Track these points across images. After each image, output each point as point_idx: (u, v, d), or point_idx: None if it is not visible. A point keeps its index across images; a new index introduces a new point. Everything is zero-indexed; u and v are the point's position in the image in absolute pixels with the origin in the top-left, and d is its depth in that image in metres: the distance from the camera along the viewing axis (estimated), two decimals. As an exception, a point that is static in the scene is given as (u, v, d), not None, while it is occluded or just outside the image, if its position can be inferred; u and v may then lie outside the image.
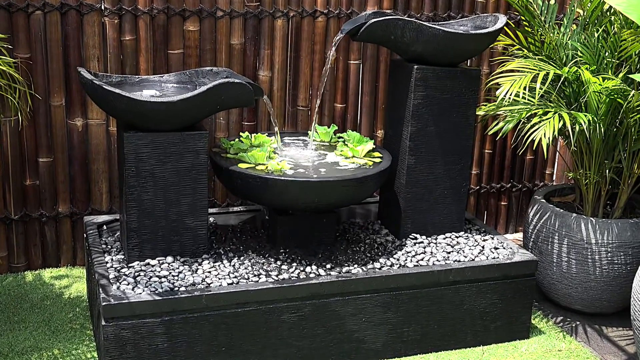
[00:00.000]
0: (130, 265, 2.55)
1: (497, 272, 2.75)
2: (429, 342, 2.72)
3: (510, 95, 2.74)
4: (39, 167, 3.05)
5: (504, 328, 2.82)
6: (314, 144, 3.02)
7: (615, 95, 2.73)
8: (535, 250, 3.08)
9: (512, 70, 2.97)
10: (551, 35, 3.02)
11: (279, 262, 2.64)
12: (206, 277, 2.49)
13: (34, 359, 2.53)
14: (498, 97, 2.83)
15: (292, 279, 2.52)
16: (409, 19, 2.72)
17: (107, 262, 2.58)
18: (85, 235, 2.88)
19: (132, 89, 2.63)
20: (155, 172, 2.50)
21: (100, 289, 2.37)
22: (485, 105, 3.21)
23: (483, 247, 2.89)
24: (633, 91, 2.71)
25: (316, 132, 3.07)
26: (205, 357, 2.43)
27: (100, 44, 2.99)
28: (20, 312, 2.82)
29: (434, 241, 2.91)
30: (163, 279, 2.45)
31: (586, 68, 2.78)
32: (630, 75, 2.60)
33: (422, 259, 2.74)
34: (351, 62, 3.38)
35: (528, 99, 2.95)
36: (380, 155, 2.90)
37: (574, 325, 3.01)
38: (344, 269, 2.61)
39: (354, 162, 2.81)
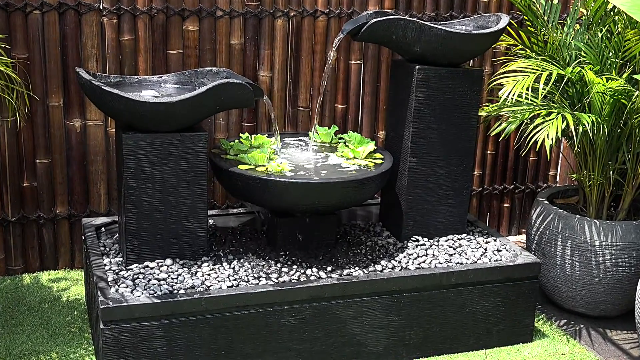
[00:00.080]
0: (128, 267, 2.55)
1: (500, 274, 2.74)
2: (431, 346, 2.72)
3: (513, 95, 2.74)
4: (36, 168, 3.06)
5: (506, 331, 2.82)
6: (315, 145, 3.02)
7: (619, 96, 2.73)
8: (538, 253, 3.08)
9: (514, 71, 2.97)
10: (554, 35, 3.02)
11: (279, 265, 2.64)
12: (206, 279, 2.49)
13: (31, 362, 2.54)
14: (501, 97, 2.83)
15: (293, 281, 2.52)
16: (411, 18, 2.72)
17: (105, 265, 2.58)
18: (83, 238, 2.88)
19: (130, 89, 2.63)
20: (154, 173, 2.50)
21: (99, 292, 2.37)
22: (488, 105, 3.21)
23: (485, 249, 2.88)
24: (637, 92, 2.71)
25: (317, 133, 3.07)
26: (205, 361, 2.43)
27: (99, 44, 2.99)
28: (17, 315, 2.82)
29: (436, 243, 2.91)
30: (162, 282, 2.45)
31: (590, 68, 2.78)
32: (635, 76, 2.60)
33: (424, 262, 2.74)
34: (352, 62, 3.38)
35: (531, 100, 2.95)
36: (382, 157, 2.90)
37: (577, 328, 3.01)
38: (345, 272, 2.61)
39: (355, 164, 2.81)
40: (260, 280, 2.51)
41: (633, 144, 2.93)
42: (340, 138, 3.09)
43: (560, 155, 3.92)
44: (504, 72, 3.06)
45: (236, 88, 2.51)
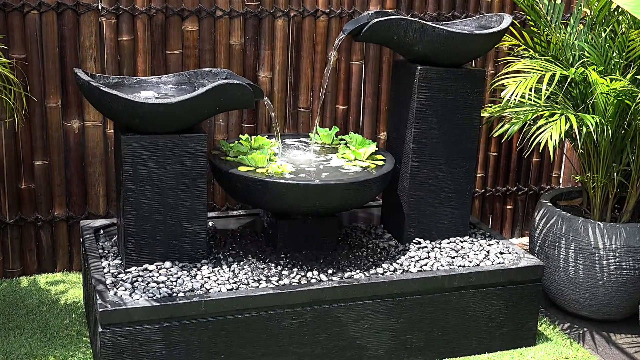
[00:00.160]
0: (127, 270, 2.55)
1: (503, 277, 2.74)
2: (433, 349, 2.72)
3: (516, 96, 2.74)
4: (34, 170, 3.06)
5: (509, 335, 2.81)
6: (316, 146, 3.02)
7: (623, 97, 2.73)
8: (541, 255, 3.08)
9: (517, 71, 2.97)
10: (557, 35, 3.02)
11: (279, 267, 2.64)
12: (205, 282, 2.49)
13: (29, 366, 2.54)
14: (503, 98, 2.83)
15: (293, 284, 2.52)
16: (412, 18, 2.72)
17: (104, 268, 2.58)
18: (81, 240, 2.88)
19: (129, 90, 2.63)
20: (153, 175, 2.51)
21: (97, 295, 2.37)
22: (491, 106, 3.21)
23: (488, 252, 2.88)
24: (641, 92, 2.71)
25: (317, 134, 3.07)
26: (204, 365, 2.43)
27: (97, 44, 2.99)
28: (15, 319, 2.82)
29: (438, 246, 2.91)
30: (161, 285, 2.45)
31: (593, 69, 2.78)
32: (639, 76, 2.60)
33: (425, 264, 2.74)
34: (353, 62, 3.38)
35: (534, 101, 2.95)
36: (383, 158, 2.90)
37: (581, 331, 3.01)
38: (346, 274, 2.61)
39: (356, 165, 2.81)
40: (260, 283, 2.51)
41: (637, 145, 2.93)
42: (341, 139, 3.09)
43: (564, 156, 3.92)
44: (507, 73, 3.06)
45: (236, 89, 2.51)
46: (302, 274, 2.59)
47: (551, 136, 2.68)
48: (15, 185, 3.05)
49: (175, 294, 2.40)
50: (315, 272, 2.60)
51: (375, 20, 2.67)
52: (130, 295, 2.38)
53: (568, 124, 2.73)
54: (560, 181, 3.96)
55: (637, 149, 2.93)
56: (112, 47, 3.01)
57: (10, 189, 3.04)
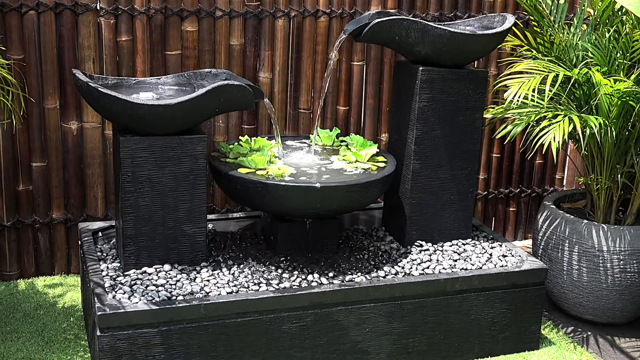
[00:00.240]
0: (126, 273, 2.55)
1: (506, 280, 2.74)
2: (435, 353, 2.72)
3: (519, 97, 2.74)
4: (32, 171, 3.06)
5: (512, 338, 2.81)
6: (316, 148, 3.02)
7: (627, 98, 2.73)
8: (545, 258, 3.08)
9: (520, 72, 2.97)
10: (561, 35, 3.02)
11: (279, 270, 2.64)
12: (205, 285, 2.49)
13: (26, 370, 2.54)
14: (506, 99, 2.83)
15: (294, 287, 2.52)
16: (414, 19, 2.73)
17: (102, 270, 2.58)
18: (79, 242, 2.88)
19: (128, 91, 2.64)
20: (153, 177, 2.51)
21: (96, 298, 2.37)
22: (493, 107, 3.21)
23: (491, 254, 2.88)
24: (646, 93, 2.71)
25: (318, 135, 3.08)
26: (204, 369, 2.43)
27: (96, 45, 3.00)
28: (12, 322, 2.82)
29: (440, 248, 2.91)
30: (160, 288, 2.45)
31: (597, 69, 2.78)
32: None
33: (427, 267, 2.73)
34: (354, 63, 3.39)
35: (537, 102, 2.95)
36: (385, 160, 2.90)
37: (585, 335, 3.01)
38: (347, 278, 2.61)
39: (357, 167, 2.81)
40: (260, 286, 2.51)
41: (642, 146, 2.93)
42: (342, 141, 3.09)
43: (567, 158, 3.92)
44: (510, 74, 3.06)
45: (236, 90, 2.51)
46: (303, 277, 2.59)
47: (554, 137, 2.68)
48: (12, 187, 3.05)
49: (174, 297, 2.40)
50: (316, 275, 2.60)
51: (377, 20, 2.67)
52: (129, 298, 2.38)
53: (571, 126, 2.73)
54: (564, 183, 3.96)
55: (641, 151, 2.94)
56: (110, 47, 3.01)
57: (7, 191, 3.04)
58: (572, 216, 3.01)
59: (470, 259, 2.83)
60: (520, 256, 2.88)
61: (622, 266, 2.90)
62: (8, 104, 2.62)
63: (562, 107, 2.93)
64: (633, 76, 2.83)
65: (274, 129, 2.90)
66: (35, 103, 2.98)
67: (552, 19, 3.04)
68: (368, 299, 2.57)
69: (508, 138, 3.06)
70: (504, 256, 2.88)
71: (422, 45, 2.73)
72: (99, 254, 2.72)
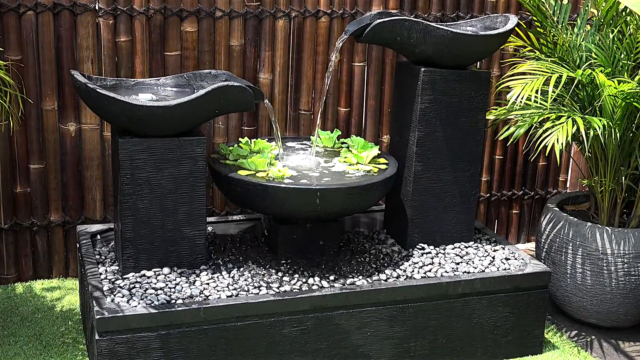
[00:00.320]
0: (125, 276, 2.55)
1: (509, 284, 2.74)
2: (437, 357, 2.71)
3: (522, 98, 2.74)
4: (30, 173, 3.06)
5: (515, 342, 2.81)
6: (317, 149, 3.02)
7: (632, 99, 2.73)
8: (548, 261, 3.08)
9: (523, 73, 2.97)
10: (564, 36, 3.02)
11: (280, 274, 2.64)
12: (204, 289, 2.49)
13: (24, 374, 2.54)
14: (509, 100, 2.83)
15: (294, 291, 2.52)
16: (416, 19, 2.73)
17: (101, 274, 2.58)
18: (78, 245, 2.88)
19: (127, 92, 2.64)
20: (152, 179, 2.51)
21: (94, 302, 2.37)
22: (496, 109, 3.21)
23: (493, 257, 2.88)
24: (650, 95, 2.71)
25: (319, 137, 3.08)
26: (203, 373, 2.43)
27: (95, 45, 3.00)
28: (10, 326, 2.82)
29: (442, 251, 2.91)
30: (159, 291, 2.45)
31: (601, 71, 2.79)
32: (647, 78, 2.60)
33: (429, 270, 2.73)
34: (355, 64, 3.39)
35: (540, 103, 2.95)
36: (386, 162, 2.90)
37: (589, 339, 3.00)
38: (348, 281, 2.61)
39: (358, 169, 2.81)
40: (260, 290, 2.51)
41: (646, 148, 2.93)
42: (343, 142, 3.10)
43: (571, 160, 3.92)
44: (513, 75, 3.06)
45: (236, 91, 2.51)
46: (304, 280, 2.59)
47: (558, 139, 2.68)
48: (10, 190, 3.05)
49: (173, 301, 2.40)
50: (316, 279, 2.60)
51: (378, 21, 2.68)
52: (127, 302, 2.38)
53: (575, 127, 2.73)
54: (567, 185, 3.96)
55: (645, 153, 2.93)
56: (109, 48, 3.01)
57: (5, 193, 3.04)
58: (575, 219, 3.01)
59: (473, 262, 2.83)
60: (523, 259, 2.88)
61: (626, 269, 2.90)
62: (5, 106, 2.62)
63: (565, 109, 2.93)
64: (637, 77, 2.83)
65: (274, 130, 2.90)
66: (33, 104, 2.98)
67: (555, 19, 3.05)
68: (369, 302, 2.57)
69: (511, 140, 3.06)
70: (507, 259, 2.88)
71: (424, 46, 2.74)
72: (97, 257, 2.72)
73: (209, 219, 3.08)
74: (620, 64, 2.90)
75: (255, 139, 2.95)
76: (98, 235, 2.91)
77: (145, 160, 2.48)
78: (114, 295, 2.42)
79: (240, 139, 2.96)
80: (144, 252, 2.56)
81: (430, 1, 3.43)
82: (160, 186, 2.52)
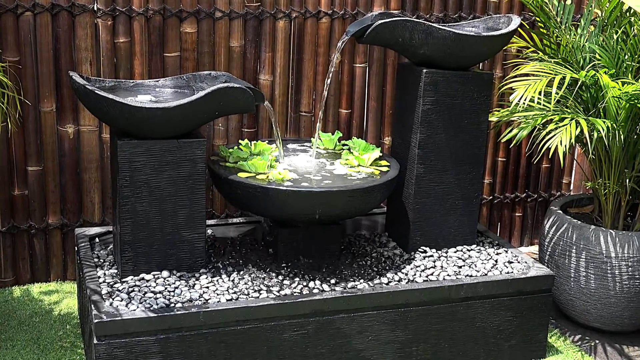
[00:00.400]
0: (123, 280, 2.56)
1: (512, 287, 2.74)
2: (440, 362, 2.72)
3: (525, 100, 2.74)
4: (27, 176, 3.06)
5: (518, 347, 2.81)
6: (318, 151, 3.02)
7: (636, 101, 2.73)
8: (551, 265, 3.08)
9: (526, 74, 2.98)
10: (568, 37, 3.02)
11: (280, 277, 2.64)
12: (204, 292, 2.49)
13: (21, 379, 2.54)
14: (512, 102, 2.83)
15: (295, 294, 2.52)
16: (418, 20, 2.73)
17: (99, 277, 2.58)
18: (76, 249, 2.89)
19: (126, 94, 2.64)
20: (151, 181, 2.51)
21: (92, 305, 2.37)
22: (499, 110, 3.21)
23: (496, 261, 2.88)
24: (654, 96, 2.71)
25: (320, 139, 3.08)
26: (203, 378, 2.43)
27: (93, 46, 3.00)
28: (7, 330, 2.82)
29: (445, 255, 2.91)
30: (158, 295, 2.45)
31: (605, 72, 2.79)
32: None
33: (432, 274, 2.73)
34: (357, 65, 3.39)
35: (543, 105, 2.95)
36: (388, 164, 2.90)
37: (593, 344, 3.00)
38: (349, 284, 2.61)
39: (359, 171, 2.81)
40: (260, 294, 2.51)
41: (650, 150, 2.93)
42: (344, 144, 3.10)
43: (574, 162, 3.92)
44: (515, 76, 3.06)
45: (236, 92, 2.51)
46: (304, 283, 2.59)
47: (561, 141, 2.68)
48: (8, 192, 3.05)
49: (173, 305, 2.40)
50: (317, 282, 2.60)
51: (380, 22, 2.68)
52: (126, 305, 2.38)
53: (578, 129, 2.73)
54: (571, 188, 3.96)
55: (650, 155, 2.93)
56: (108, 49, 3.02)
57: (2, 196, 3.04)
58: (579, 222, 3.01)
59: (475, 265, 2.83)
60: (526, 263, 2.88)
61: (630, 273, 2.90)
62: (3, 107, 2.62)
63: (569, 110, 2.93)
64: (641, 79, 2.84)
65: (274, 132, 2.90)
66: (31, 106, 2.98)
67: (558, 20, 3.05)
68: (371, 306, 2.57)
69: (514, 142, 3.06)
70: (510, 263, 2.88)
71: (426, 47, 2.74)
72: (95, 260, 2.72)
73: (209, 222, 3.09)
74: (625, 65, 2.90)
75: (255, 141, 2.95)
76: (96, 238, 2.91)
77: (145, 163, 2.48)
78: (113, 299, 2.42)
79: (240, 141, 2.96)
80: (143, 255, 2.57)
81: (432, 2, 3.43)
82: (159, 189, 2.52)
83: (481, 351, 2.76)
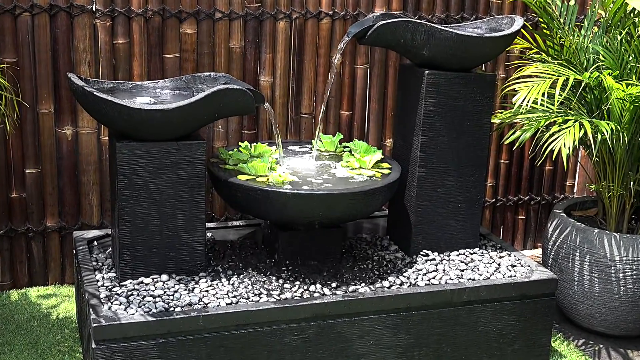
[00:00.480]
0: (122, 283, 2.56)
1: (515, 291, 2.74)
2: (442, 367, 2.72)
3: (528, 102, 2.74)
4: (25, 178, 3.06)
5: (522, 351, 2.81)
6: (319, 154, 3.02)
7: (640, 103, 2.74)
8: (555, 268, 3.07)
9: (529, 76, 2.98)
10: (571, 38, 3.02)
11: (281, 281, 2.64)
12: (203, 296, 2.49)
13: (19, 383, 2.54)
14: (515, 104, 2.83)
15: (295, 298, 2.52)
16: (420, 21, 2.73)
17: (97, 281, 2.58)
18: (74, 252, 2.89)
19: (125, 95, 2.64)
20: (150, 184, 2.51)
21: (91, 309, 2.37)
22: (501, 112, 3.21)
23: (499, 264, 2.88)
24: (659, 98, 2.71)
25: (321, 141, 3.08)
26: (202, 382, 2.43)
27: (92, 47, 3.00)
28: (5, 334, 2.82)
29: (447, 258, 2.91)
30: (157, 299, 2.45)
31: (608, 73, 2.79)
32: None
33: (434, 278, 2.73)
34: (358, 66, 3.39)
35: (547, 106, 2.95)
36: (389, 166, 2.90)
37: (597, 348, 3.00)
38: (351, 288, 2.61)
39: (361, 174, 2.81)
40: (261, 297, 2.51)
41: (655, 153, 2.93)
42: (345, 147, 3.10)
43: (578, 164, 3.92)
44: (518, 77, 3.07)
45: (236, 94, 2.51)
46: (305, 287, 2.59)
47: (565, 143, 2.68)
48: (5, 195, 3.06)
49: (172, 309, 2.40)
50: (318, 286, 2.60)
51: (381, 22, 2.68)
52: (125, 309, 2.38)
53: (582, 131, 2.73)
54: (575, 190, 3.96)
55: (654, 157, 2.93)
56: (107, 50, 3.02)
57: (0, 198, 3.04)
58: (583, 225, 3.01)
59: (478, 269, 2.83)
60: (529, 266, 2.88)
61: (635, 276, 2.89)
62: (1, 109, 2.62)
63: (572, 112, 2.93)
64: (646, 80, 2.84)
65: (274, 134, 2.90)
66: (28, 108, 2.99)
67: (562, 21, 3.05)
68: (372, 310, 2.57)
69: (517, 144, 3.06)
70: (513, 266, 2.88)
71: (428, 48, 2.74)
72: (94, 263, 2.72)
73: (208, 225, 3.09)
74: (629, 66, 2.90)
75: (255, 143, 2.95)
76: (95, 242, 2.91)
77: (144, 165, 2.49)
78: (111, 303, 2.42)
79: (240, 143, 2.96)
80: (142, 258, 2.57)
81: (434, 2, 3.43)
82: (158, 191, 2.52)
83: (484, 355, 2.76)
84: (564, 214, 3.12)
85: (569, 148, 2.66)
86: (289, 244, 2.76)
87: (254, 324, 2.44)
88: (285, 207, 2.57)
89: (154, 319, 2.33)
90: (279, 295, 2.53)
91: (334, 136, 3.14)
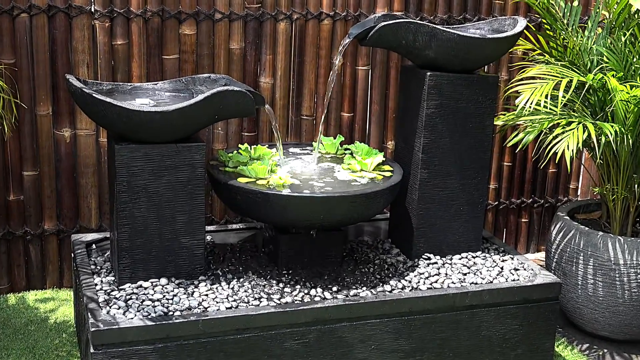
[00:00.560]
0: (121, 287, 2.55)
1: (518, 295, 2.74)
2: (444, 371, 2.71)
3: (531, 104, 2.74)
4: (23, 181, 3.07)
5: (525, 356, 2.81)
6: (319, 156, 3.02)
7: (645, 104, 2.74)
8: (558, 272, 3.07)
9: (532, 77, 2.98)
10: (575, 39, 3.02)
11: (281, 285, 2.63)
12: (203, 300, 2.49)
13: (16, 388, 2.54)
14: (518, 106, 2.83)
15: (296, 302, 2.52)
16: (422, 22, 2.73)
17: (96, 284, 2.58)
18: (72, 255, 2.89)
19: (124, 97, 2.64)
20: (149, 187, 2.51)
21: (89, 314, 2.37)
22: (504, 114, 3.21)
23: (502, 268, 2.88)
24: (664, 100, 2.71)
25: (321, 143, 3.08)
26: (202, 387, 2.43)
27: (90, 48, 3.01)
28: (2, 339, 2.82)
29: (449, 262, 2.91)
30: (156, 303, 2.45)
31: (612, 75, 2.79)
32: (661, 83, 2.60)
33: (436, 281, 2.73)
34: (359, 68, 3.39)
35: (550, 108, 2.95)
36: (391, 169, 2.90)
37: (601, 353, 3.00)
38: (352, 292, 2.61)
39: (362, 176, 2.81)
40: (261, 301, 2.51)
41: (659, 155, 2.93)
42: (346, 149, 3.10)
43: (582, 167, 3.92)
44: (521, 79, 3.06)
45: (236, 96, 2.51)
46: (305, 291, 2.59)
47: (568, 146, 2.68)
48: (3, 197, 3.06)
49: (171, 313, 2.40)
50: (319, 290, 2.60)
51: (383, 23, 2.68)
52: (123, 313, 2.38)
53: (586, 133, 2.73)
54: (578, 193, 3.96)
55: (659, 160, 2.93)
56: (105, 51, 3.02)
57: (-3, 201, 3.05)
58: (587, 228, 3.01)
59: (481, 272, 2.82)
60: (532, 270, 2.88)
61: (639, 280, 2.89)
62: (-2, 111, 2.63)
63: (576, 114, 2.93)
64: (650, 82, 2.84)
65: (275, 136, 2.90)
66: (26, 109, 2.99)
67: (565, 22, 3.05)
68: (373, 314, 2.56)
69: (520, 146, 3.06)
70: (516, 270, 2.88)
71: (430, 50, 2.74)
72: (92, 267, 2.72)
73: (208, 228, 3.09)
74: (633, 68, 2.90)
75: (255, 145, 2.95)
76: (93, 245, 2.91)
77: (143, 167, 2.49)
78: (110, 307, 2.42)
79: (240, 145, 2.96)
80: (141, 262, 2.56)
81: (437, 3, 3.44)
82: (157, 194, 2.52)
83: (486, 360, 2.76)
84: (567, 217, 3.12)
85: (572, 150, 2.66)
86: (289, 247, 2.75)
87: (254, 329, 2.44)
88: (285, 210, 2.57)
89: (153, 323, 2.33)
90: (279, 299, 2.53)
91: (335, 138, 3.13)
